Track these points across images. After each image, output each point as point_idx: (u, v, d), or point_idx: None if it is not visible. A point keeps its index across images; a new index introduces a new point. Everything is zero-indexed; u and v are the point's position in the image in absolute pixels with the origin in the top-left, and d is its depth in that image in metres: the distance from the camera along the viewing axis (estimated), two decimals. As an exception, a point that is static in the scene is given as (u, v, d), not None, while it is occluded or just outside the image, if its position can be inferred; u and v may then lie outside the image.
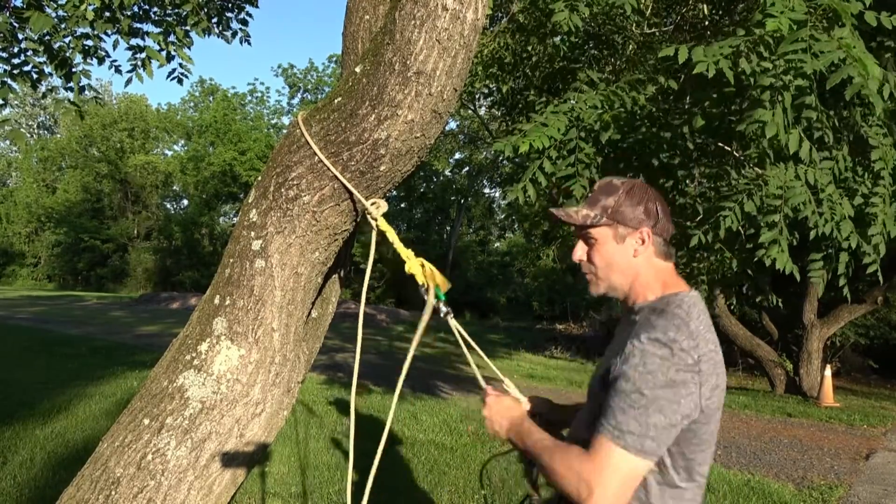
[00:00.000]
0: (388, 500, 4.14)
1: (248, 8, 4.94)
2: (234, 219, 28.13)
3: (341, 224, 1.68)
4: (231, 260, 1.66)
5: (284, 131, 2.13)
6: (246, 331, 1.62)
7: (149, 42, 4.43)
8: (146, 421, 1.59)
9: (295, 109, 38.06)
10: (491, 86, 7.15)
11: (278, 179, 1.62)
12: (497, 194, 32.81)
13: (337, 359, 11.80)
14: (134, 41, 4.44)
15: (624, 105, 3.56)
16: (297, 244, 1.64)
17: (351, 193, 1.60)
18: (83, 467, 1.63)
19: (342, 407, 6.99)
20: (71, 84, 4.21)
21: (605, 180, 1.45)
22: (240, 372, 1.61)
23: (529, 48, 6.24)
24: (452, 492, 4.44)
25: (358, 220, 1.71)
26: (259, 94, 40.69)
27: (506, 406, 1.48)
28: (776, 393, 10.52)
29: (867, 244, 3.05)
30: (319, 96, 36.54)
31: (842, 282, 3.32)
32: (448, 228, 33.92)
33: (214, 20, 4.72)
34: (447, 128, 26.10)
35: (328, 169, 1.57)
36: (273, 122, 39.86)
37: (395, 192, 13.03)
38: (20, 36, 4.05)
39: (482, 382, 1.61)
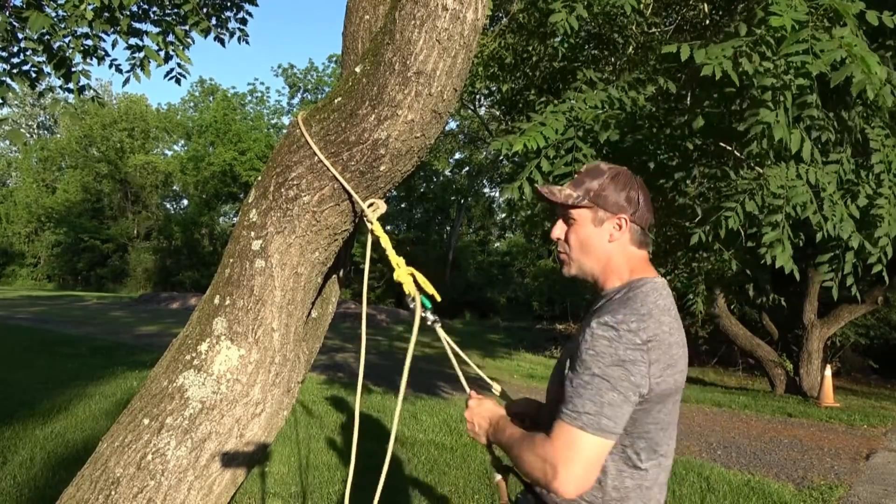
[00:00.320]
0: (389, 500, 4.14)
1: (248, 7, 4.94)
2: (234, 219, 28.15)
3: (341, 224, 1.67)
4: (231, 260, 1.66)
5: (284, 131, 2.13)
6: (246, 331, 1.62)
7: (147, 42, 4.43)
8: (146, 421, 1.59)
9: (295, 109, 38.06)
10: (491, 86, 7.15)
11: (278, 179, 1.62)
12: (497, 194, 32.84)
13: (337, 359, 11.80)
14: (133, 41, 4.44)
15: (623, 105, 3.56)
16: (297, 244, 1.63)
17: (350, 194, 1.60)
18: (83, 467, 1.63)
19: (342, 407, 6.99)
20: (70, 84, 4.21)
21: (592, 164, 1.50)
22: (240, 372, 1.61)
23: (530, 48, 6.24)
24: (452, 492, 4.44)
25: (357, 220, 1.71)
26: (259, 94, 40.70)
27: (486, 408, 1.52)
28: (776, 393, 10.52)
29: (872, 245, 3.05)
30: (319, 96, 36.54)
31: (849, 281, 3.32)
32: (448, 228, 33.92)
33: (213, 21, 4.72)
34: (447, 128, 26.10)
35: (328, 169, 1.57)
36: (273, 122, 39.89)
37: (395, 192, 13.02)
38: (19, 35, 4.05)
39: (466, 387, 1.64)
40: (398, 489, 4.42)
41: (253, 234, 1.63)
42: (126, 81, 4.55)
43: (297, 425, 5.90)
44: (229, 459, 1.62)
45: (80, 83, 4.25)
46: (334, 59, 36.39)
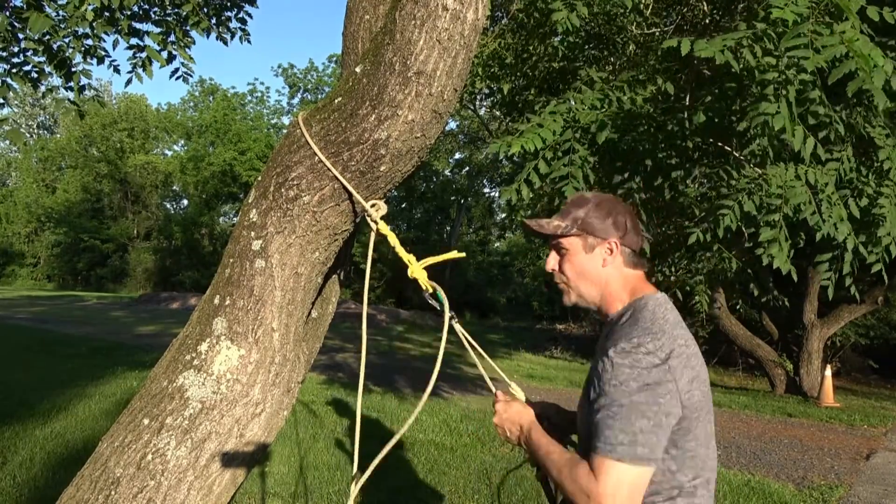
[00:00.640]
0: (389, 500, 4.14)
1: (248, 7, 4.94)
2: (234, 219, 28.14)
3: (341, 224, 1.67)
4: (231, 260, 1.66)
5: (284, 131, 2.13)
6: (246, 331, 1.62)
7: (149, 42, 4.43)
8: (146, 421, 1.59)
9: (295, 109, 38.04)
10: (491, 86, 7.15)
11: (278, 179, 1.62)
12: (497, 194, 32.82)
13: (337, 359, 11.80)
14: (134, 41, 4.44)
15: (621, 104, 3.56)
16: (297, 244, 1.63)
17: (351, 194, 1.60)
18: (83, 467, 1.63)
19: (342, 407, 6.99)
20: (71, 84, 4.21)
21: (577, 194, 1.53)
22: (240, 372, 1.61)
23: (529, 48, 6.24)
24: (452, 492, 4.44)
25: (358, 220, 1.71)
26: (259, 94, 40.66)
27: (515, 412, 1.52)
28: (776, 393, 10.52)
29: (875, 245, 3.05)
30: (319, 96, 36.52)
31: (848, 282, 3.32)
32: (448, 228, 33.92)
33: (213, 21, 4.72)
34: (447, 128, 26.10)
35: (328, 169, 1.57)
36: (273, 122, 39.88)
37: (395, 192, 13.03)
38: (20, 36, 4.05)
39: (492, 387, 1.64)
40: (398, 489, 4.42)
41: (253, 234, 1.63)
42: (128, 82, 4.56)
43: (297, 425, 5.89)
44: (229, 459, 1.62)
45: (81, 83, 4.25)
46: (334, 59, 36.39)
